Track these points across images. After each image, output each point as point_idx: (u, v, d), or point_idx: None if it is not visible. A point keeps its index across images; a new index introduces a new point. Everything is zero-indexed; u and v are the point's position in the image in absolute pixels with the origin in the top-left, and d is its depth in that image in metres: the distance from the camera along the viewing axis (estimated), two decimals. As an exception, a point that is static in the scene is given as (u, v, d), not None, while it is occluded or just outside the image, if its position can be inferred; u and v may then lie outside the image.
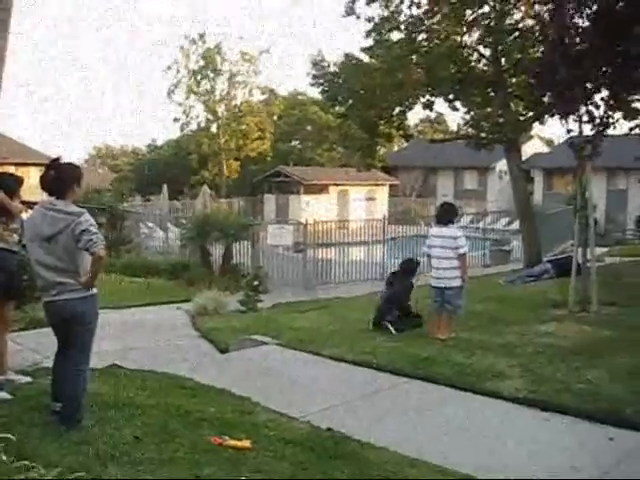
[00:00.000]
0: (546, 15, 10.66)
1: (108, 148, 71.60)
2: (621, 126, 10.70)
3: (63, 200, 4.80)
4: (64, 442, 4.34)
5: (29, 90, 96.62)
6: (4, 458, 2.90)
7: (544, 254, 17.27)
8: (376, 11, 17.46)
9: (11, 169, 19.56)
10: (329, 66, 18.44)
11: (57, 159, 4.94)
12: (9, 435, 3.09)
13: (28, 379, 6.09)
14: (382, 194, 38.84)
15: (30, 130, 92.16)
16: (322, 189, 36.31)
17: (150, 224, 24.52)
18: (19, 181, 6.06)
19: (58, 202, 4.78)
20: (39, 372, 6.32)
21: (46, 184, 4.84)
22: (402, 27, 17.16)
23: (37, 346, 7.87)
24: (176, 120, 49.79)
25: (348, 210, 35.30)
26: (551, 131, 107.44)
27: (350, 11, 17.65)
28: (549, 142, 47.04)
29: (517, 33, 16.30)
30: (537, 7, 15.44)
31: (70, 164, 5.12)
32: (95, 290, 4.86)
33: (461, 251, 8.28)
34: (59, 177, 4.85)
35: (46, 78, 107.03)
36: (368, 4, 17.34)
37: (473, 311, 9.51)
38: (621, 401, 5.83)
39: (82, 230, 4.64)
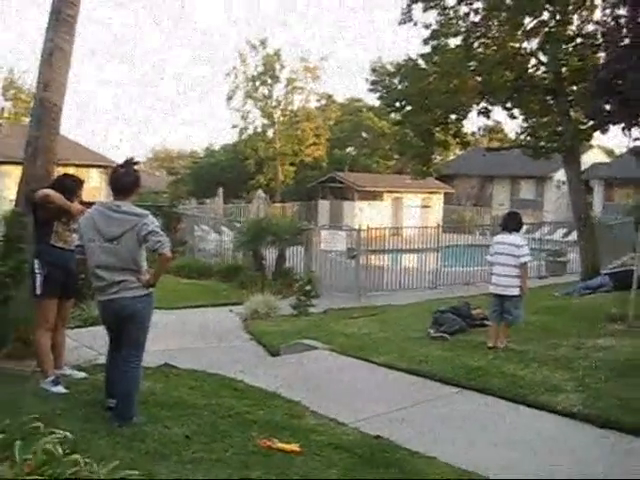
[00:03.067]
0: (614, 21, 10.38)
1: (166, 151, 72.77)
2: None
3: (125, 201, 4.89)
4: (116, 438, 4.41)
5: (89, 91, 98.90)
6: (60, 451, 2.96)
7: (602, 267, 16.86)
8: (433, 18, 17.36)
9: (71, 170, 20.07)
10: (386, 67, 18.34)
11: (131, 159, 5.05)
12: (67, 433, 3.15)
13: (83, 374, 6.22)
14: (437, 202, 38.53)
15: (89, 132, 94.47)
16: (376, 196, 36.22)
17: (205, 227, 24.82)
18: (79, 182, 6.18)
19: (122, 203, 4.87)
20: (94, 368, 6.44)
21: (119, 184, 4.94)
22: (459, 32, 17.00)
23: (92, 343, 8.04)
24: (234, 126, 50.38)
25: (402, 217, 35.09)
26: (612, 141, 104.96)
27: (407, 18, 17.58)
28: (610, 152, 45.93)
29: (578, 40, 15.97)
30: (601, 13, 15.13)
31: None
32: (152, 290, 4.94)
33: (522, 260, 8.16)
34: (132, 178, 4.97)
35: (107, 80, 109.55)
36: (425, 11, 17.24)
37: (528, 322, 9.33)
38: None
39: (149, 231, 4.74)
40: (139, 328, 4.94)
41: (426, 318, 9.75)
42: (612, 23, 10.13)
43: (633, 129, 9.76)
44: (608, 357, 7.76)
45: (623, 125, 9.97)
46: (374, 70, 18.58)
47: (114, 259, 4.80)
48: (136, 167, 5.09)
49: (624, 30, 9.84)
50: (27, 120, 25.90)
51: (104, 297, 4.91)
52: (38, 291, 5.69)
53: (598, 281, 14.20)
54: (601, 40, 14.35)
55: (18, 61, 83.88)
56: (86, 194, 6.13)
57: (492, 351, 8.09)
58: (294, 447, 4.68)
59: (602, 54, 14.54)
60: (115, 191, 4.96)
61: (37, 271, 5.67)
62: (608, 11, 12.44)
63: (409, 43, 45.78)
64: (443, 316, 9.41)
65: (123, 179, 4.96)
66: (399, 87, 18.11)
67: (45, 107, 7.19)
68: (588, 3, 15.71)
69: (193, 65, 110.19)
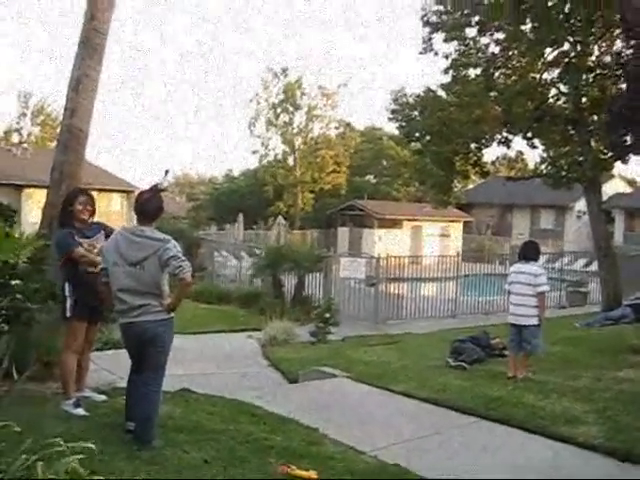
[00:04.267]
0: (628, 52, 10.40)
1: (186, 177, 73.41)
2: None
3: (148, 226, 4.97)
4: (135, 461, 4.44)
5: (110, 117, 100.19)
6: (81, 471, 2.99)
7: (624, 297, 16.70)
8: (454, 48, 17.49)
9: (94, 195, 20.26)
10: (407, 98, 18.42)
11: (156, 185, 5.15)
12: (90, 444, 3.20)
13: (103, 397, 6.27)
14: (456, 231, 38.46)
15: (108, 157, 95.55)
16: (396, 223, 36.23)
17: (224, 253, 24.93)
18: (73, 193, 6.27)
19: (145, 228, 4.95)
20: (114, 391, 6.50)
21: (144, 209, 5.02)
22: (479, 63, 17.12)
23: (112, 366, 8.11)
24: (254, 152, 50.74)
25: (421, 245, 35.04)
26: (634, 170, 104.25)
27: (428, 48, 17.74)
28: (631, 182, 45.73)
29: (598, 70, 16.01)
30: (619, 43, 15.17)
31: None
32: (173, 314, 4.99)
33: (539, 289, 8.12)
34: (156, 204, 5.05)
35: (127, 104, 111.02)
36: (446, 41, 17.39)
37: (548, 353, 9.25)
38: None
39: (171, 256, 4.80)
40: (160, 351, 4.99)
41: (445, 347, 9.71)
42: (629, 55, 10.14)
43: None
44: (630, 389, 7.68)
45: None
46: (395, 100, 18.56)
47: (136, 283, 4.86)
48: (161, 193, 5.19)
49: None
50: (54, 145, 26.30)
51: (126, 320, 4.98)
52: (68, 314, 5.77)
53: (619, 312, 14.08)
54: (618, 72, 14.41)
55: (47, 89, 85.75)
56: (110, 218, 6.22)
57: (511, 381, 8.03)
58: (311, 474, 4.67)
59: (621, 85, 14.57)
60: (139, 216, 5.04)
61: (67, 294, 5.76)
62: (625, 43, 12.50)
63: (430, 71, 45.75)
64: (462, 345, 9.37)
65: (147, 204, 5.04)
66: (418, 118, 18.21)
67: (72, 133, 7.34)
68: (607, 35, 15.76)
69: (215, 91, 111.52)
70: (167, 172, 5.47)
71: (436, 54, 17.72)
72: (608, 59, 15.89)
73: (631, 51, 10.41)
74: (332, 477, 4.75)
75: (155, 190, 5.11)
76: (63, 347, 5.94)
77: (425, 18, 17.41)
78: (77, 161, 7.41)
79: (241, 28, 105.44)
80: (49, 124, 50.55)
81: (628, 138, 11.56)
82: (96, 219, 6.24)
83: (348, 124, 53.28)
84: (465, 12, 16.89)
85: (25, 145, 37.12)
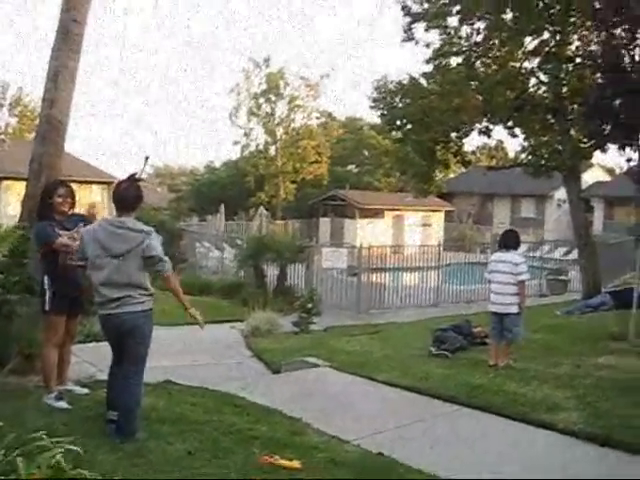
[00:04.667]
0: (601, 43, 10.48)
1: (167, 168, 72.89)
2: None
3: (129, 217, 4.93)
4: (119, 453, 4.43)
5: (89, 106, 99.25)
6: (65, 465, 2.98)
7: (603, 285, 16.87)
8: (435, 37, 17.52)
9: (73, 187, 20.10)
10: (388, 85, 18.38)
11: (134, 175, 5.10)
12: (72, 447, 3.18)
13: (86, 390, 6.22)
14: (438, 220, 38.60)
15: (89, 147, 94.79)
16: (377, 213, 36.28)
17: (206, 244, 24.85)
18: (53, 184, 6.21)
19: (125, 219, 4.91)
20: (96, 384, 6.45)
21: (122, 199, 4.98)
22: (460, 52, 17.14)
23: (93, 359, 8.05)
24: (236, 143, 50.51)
25: (403, 235, 35.13)
26: (613, 159, 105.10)
27: (409, 37, 17.74)
28: (610, 171, 46.12)
29: (578, 60, 16.10)
30: (596, 36, 15.26)
31: None
32: (152, 305, 4.97)
33: (520, 278, 8.19)
34: (135, 194, 5.01)
35: (106, 95, 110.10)
36: (427, 30, 17.39)
37: (529, 340, 9.35)
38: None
39: (153, 255, 4.83)
40: (139, 343, 4.96)
41: (427, 336, 9.76)
42: (600, 47, 10.23)
43: (627, 149, 9.82)
44: (609, 375, 7.76)
45: (618, 146, 10.07)
46: (377, 88, 18.53)
47: (117, 275, 4.83)
48: (139, 183, 5.14)
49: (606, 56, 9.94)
50: (31, 137, 26.01)
51: (104, 312, 4.94)
52: (46, 307, 5.72)
53: (599, 300, 14.21)
54: (591, 62, 14.55)
55: (25, 79, 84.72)
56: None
57: (493, 369, 8.09)
58: (295, 464, 4.68)
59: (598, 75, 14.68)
60: (118, 206, 5.00)
61: (46, 287, 5.71)
62: (601, 34, 12.64)
63: (414, 60, 45.82)
64: (444, 334, 9.42)
65: (125, 194, 5.00)
66: (400, 105, 18.20)
67: (51, 124, 7.25)
68: (586, 25, 15.83)
69: (196, 81, 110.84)
70: (147, 158, 5.44)
71: (417, 43, 17.73)
72: (586, 49, 15.98)
73: (603, 42, 10.49)
74: (316, 466, 4.76)
75: (133, 179, 5.06)
76: (44, 341, 5.90)
77: (406, 9, 17.40)
78: (56, 152, 7.32)
79: (221, 18, 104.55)
80: (27, 115, 49.97)
81: (606, 127, 11.66)
82: (76, 211, 6.20)
83: (329, 114, 53.24)
84: (446, 1, 16.90)
85: (2, 137, 36.71)
